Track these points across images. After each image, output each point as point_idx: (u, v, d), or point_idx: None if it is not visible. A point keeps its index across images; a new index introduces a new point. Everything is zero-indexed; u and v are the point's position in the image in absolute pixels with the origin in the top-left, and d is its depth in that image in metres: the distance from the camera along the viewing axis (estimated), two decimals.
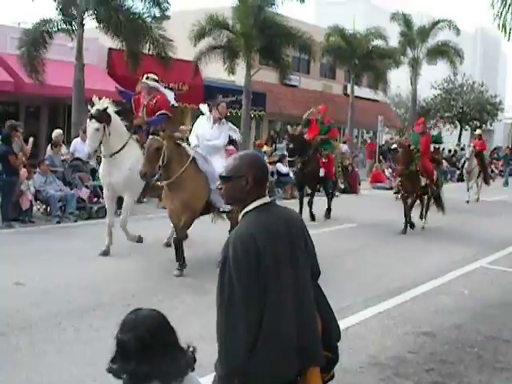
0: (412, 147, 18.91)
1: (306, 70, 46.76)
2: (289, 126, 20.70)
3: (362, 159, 43.10)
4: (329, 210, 21.12)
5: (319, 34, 39.51)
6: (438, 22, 48.06)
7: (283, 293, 4.13)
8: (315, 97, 46.56)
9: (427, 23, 48.88)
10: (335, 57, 43.95)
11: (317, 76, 48.48)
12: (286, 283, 4.16)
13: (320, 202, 20.99)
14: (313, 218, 19.90)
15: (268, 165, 5.14)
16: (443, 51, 48.15)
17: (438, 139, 22.75)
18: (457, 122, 61.01)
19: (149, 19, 27.08)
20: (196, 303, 10.28)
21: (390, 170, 35.50)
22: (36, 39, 25.02)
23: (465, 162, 30.88)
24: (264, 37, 33.71)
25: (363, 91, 48.56)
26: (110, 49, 31.81)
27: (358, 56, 42.69)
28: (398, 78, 51.19)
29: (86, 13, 25.23)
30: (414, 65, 48.94)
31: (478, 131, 33.12)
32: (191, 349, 3.72)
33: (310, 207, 20.15)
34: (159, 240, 14.82)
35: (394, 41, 46.11)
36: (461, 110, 60.22)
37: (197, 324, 8.73)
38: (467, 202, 28.38)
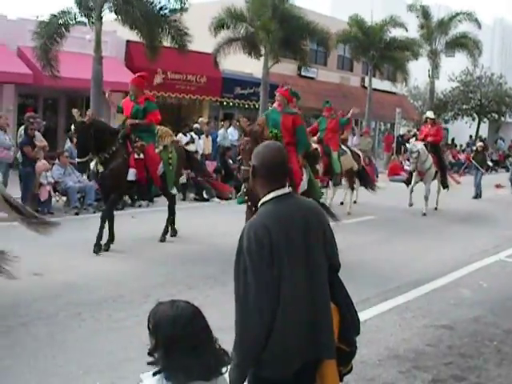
0: (270, 133, 12.64)
1: (323, 62, 46.58)
2: (74, 110, 13.81)
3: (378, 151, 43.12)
4: (166, 230, 14.90)
5: (336, 26, 39.39)
6: (457, 15, 47.77)
7: (297, 282, 4.16)
8: (332, 89, 46.43)
9: (445, 15, 48.64)
10: (353, 48, 43.82)
11: (334, 68, 48.36)
12: (301, 273, 4.20)
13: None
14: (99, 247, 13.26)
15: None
16: (462, 43, 47.86)
17: (343, 122, 20.07)
18: (475, 115, 60.60)
19: (167, 11, 27.09)
20: (215, 294, 10.30)
21: (407, 163, 35.44)
22: (53, 31, 25.04)
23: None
24: (282, 29, 33.63)
25: (381, 83, 48.40)
26: (127, 41, 31.88)
27: (376, 47, 42.52)
28: (416, 71, 50.95)
29: (105, 5, 25.23)
30: (433, 57, 48.71)
31: (428, 113, 23.78)
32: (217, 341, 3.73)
33: (110, 229, 13.68)
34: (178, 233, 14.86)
35: (412, 33, 45.86)
36: (479, 103, 59.76)
37: (216, 315, 8.66)
38: (424, 214, 20.78)
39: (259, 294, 4.01)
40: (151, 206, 18.95)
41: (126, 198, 17.42)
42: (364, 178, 21.99)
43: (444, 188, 22.48)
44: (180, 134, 25.60)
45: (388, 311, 10.07)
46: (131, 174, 13.49)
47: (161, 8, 26.58)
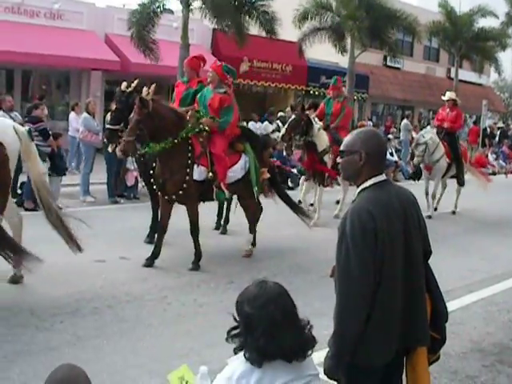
0: (177, 108, 11.52)
1: (409, 53, 46.12)
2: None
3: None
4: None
5: (423, 16, 38.91)
6: None
7: (397, 269, 4.16)
8: (418, 80, 45.99)
9: None
10: (441, 39, 43.22)
11: (420, 59, 47.85)
12: (400, 260, 4.20)
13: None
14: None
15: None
16: None
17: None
18: None
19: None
20: (298, 281, 10.28)
21: (493, 156, 34.87)
22: (145, 18, 25.41)
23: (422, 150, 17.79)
24: (368, 19, 33.41)
25: (467, 75, 47.66)
26: (214, 29, 32.08)
27: (464, 38, 41.83)
28: (503, 62, 50.07)
29: None
30: None
31: (449, 93, 19.11)
32: (309, 326, 3.75)
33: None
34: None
35: (499, 23, 45.00)
36: None
37: (298, 302, 8.77)
38: (429, 217, 16.78)
39: (362, 280, 4.02)
40: None
41: None
42: None
43: (460, 185, 18.89)
44: (266, 122, 25.77)
45: (472, 304, 9.96)
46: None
47: None
